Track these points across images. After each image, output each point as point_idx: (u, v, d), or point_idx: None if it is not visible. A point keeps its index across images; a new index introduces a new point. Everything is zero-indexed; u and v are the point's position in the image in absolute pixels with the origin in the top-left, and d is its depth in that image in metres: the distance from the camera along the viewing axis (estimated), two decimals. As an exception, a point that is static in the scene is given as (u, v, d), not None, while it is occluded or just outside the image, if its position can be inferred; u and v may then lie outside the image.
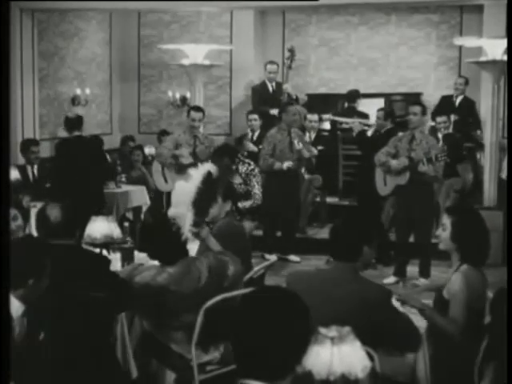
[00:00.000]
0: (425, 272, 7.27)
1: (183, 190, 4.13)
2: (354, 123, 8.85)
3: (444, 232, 3.89)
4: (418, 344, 3.54)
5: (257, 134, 9.51)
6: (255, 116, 9.59)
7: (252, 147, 9.15)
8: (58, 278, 3.49)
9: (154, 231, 4.13)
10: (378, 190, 7.60)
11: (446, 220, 3.91)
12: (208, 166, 4.26)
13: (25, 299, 3.27)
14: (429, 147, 7.11)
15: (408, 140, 7.21)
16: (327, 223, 8.97)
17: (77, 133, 7.94)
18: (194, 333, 3.95)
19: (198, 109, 8.30)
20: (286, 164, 8.03)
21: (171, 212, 4.03)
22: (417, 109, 7.22)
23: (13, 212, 4.83)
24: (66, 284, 3.53)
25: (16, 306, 3.22)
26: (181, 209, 4.02)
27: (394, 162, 7.19)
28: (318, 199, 9.43)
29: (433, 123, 9.48)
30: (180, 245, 4.02)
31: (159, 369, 4.06)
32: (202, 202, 4.10)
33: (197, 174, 4.18)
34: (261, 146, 8.41)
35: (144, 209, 9.04)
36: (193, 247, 4.28)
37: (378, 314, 3.33)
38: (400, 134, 7.53)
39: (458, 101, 10.07)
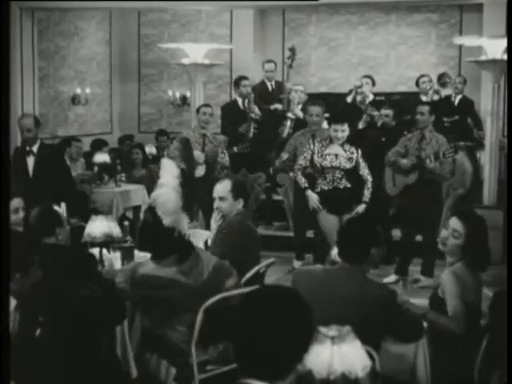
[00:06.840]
0: (428, 271, 7.25)
1: (165, 198, 4.16)
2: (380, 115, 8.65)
3: (455, 239, 3.79)
4: (421, 333, 3.55)
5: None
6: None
7: (257, 111, 9.24)
8: (49, 276, 3.51)
9: (154, 231, 4.16)
10: (386, 190, 7.61)
11: (460, 227, 3.78)
12: (170, 164, 4.37)
13: (15, 293, 3.28)
14: (438, 146, 7.13)
15: (418, 139, 7.23)
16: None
17: None
18: (193, 329, 3.95)
19: (207, 105, 8.41)
20: None
21: (167, 221, 4.07)
22: (424, 108, 7.24)
23: (19, 203, 4.85)
24: (56, 282, 3.54)
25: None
26: (174, 215, 4.08)
27: (403, 161, 7.23)
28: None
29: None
30: (186, 245, 4.12)
31: (159, 366, 4.06)
32: (185, 200, 4.23)
33: (167, 178, 4.26)
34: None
35: (143, 208, 9.04)
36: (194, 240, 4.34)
37: (382, 315, 3.33)
38: (409, 134, 7.54)
39: (456, 100, 10.04)
